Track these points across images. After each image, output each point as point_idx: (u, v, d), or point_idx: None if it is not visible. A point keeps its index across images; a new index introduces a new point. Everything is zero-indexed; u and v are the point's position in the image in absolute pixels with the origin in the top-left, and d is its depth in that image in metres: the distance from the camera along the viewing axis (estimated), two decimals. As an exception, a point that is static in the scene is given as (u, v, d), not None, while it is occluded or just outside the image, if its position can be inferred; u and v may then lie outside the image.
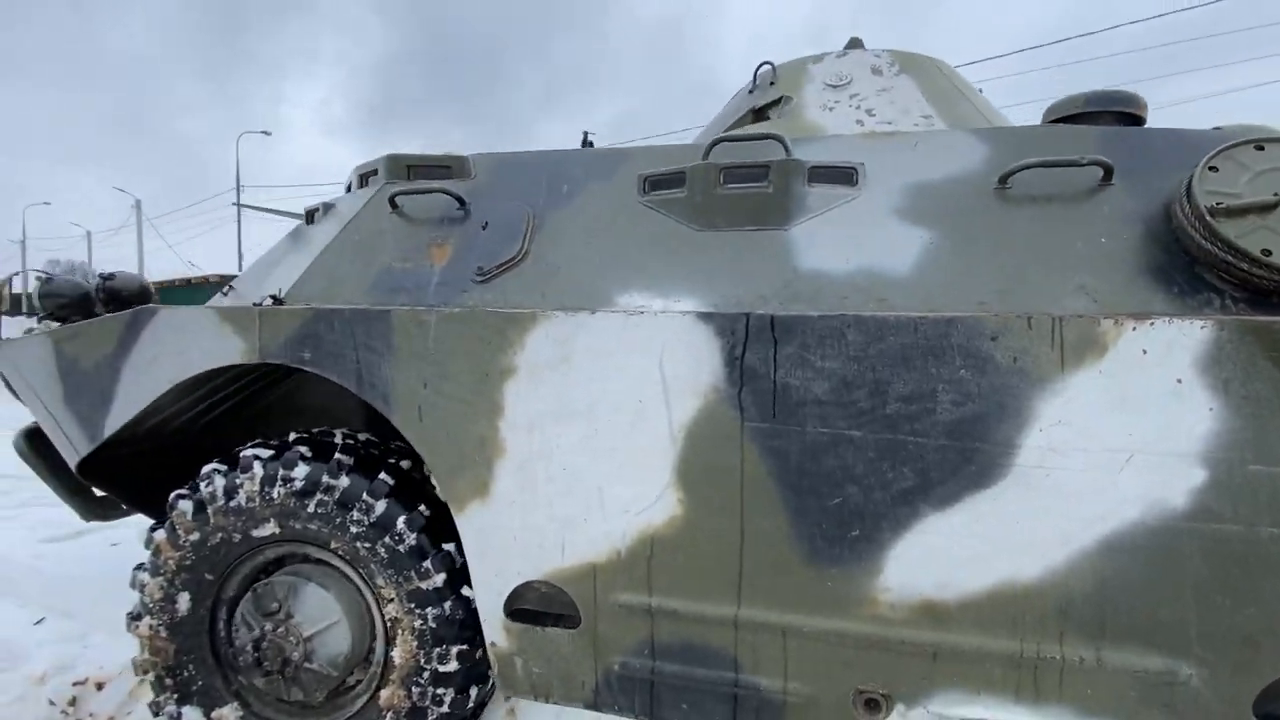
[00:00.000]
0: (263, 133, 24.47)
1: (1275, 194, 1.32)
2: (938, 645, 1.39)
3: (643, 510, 1.54)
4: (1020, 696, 1.37)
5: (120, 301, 2.48)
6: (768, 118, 2.15)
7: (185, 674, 1.91)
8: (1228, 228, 1.31)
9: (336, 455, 1.83)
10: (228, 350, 1.81)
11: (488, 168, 2.02)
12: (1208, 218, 1.34)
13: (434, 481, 1.92)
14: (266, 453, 1.85)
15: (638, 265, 1.70)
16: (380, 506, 1.77)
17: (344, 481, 1.79)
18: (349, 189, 2.41)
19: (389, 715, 1.79)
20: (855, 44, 2.21)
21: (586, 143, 2.88)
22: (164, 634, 1.89)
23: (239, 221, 22.97)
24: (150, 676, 1.91)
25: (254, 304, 1.85)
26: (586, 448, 1.57)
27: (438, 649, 1.76)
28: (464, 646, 1.78)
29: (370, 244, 1.94)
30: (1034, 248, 1.49)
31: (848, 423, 1.41)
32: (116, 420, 1.93)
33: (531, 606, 1.67)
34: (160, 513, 2.48)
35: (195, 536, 1.86)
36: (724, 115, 2.35)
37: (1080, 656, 1.33)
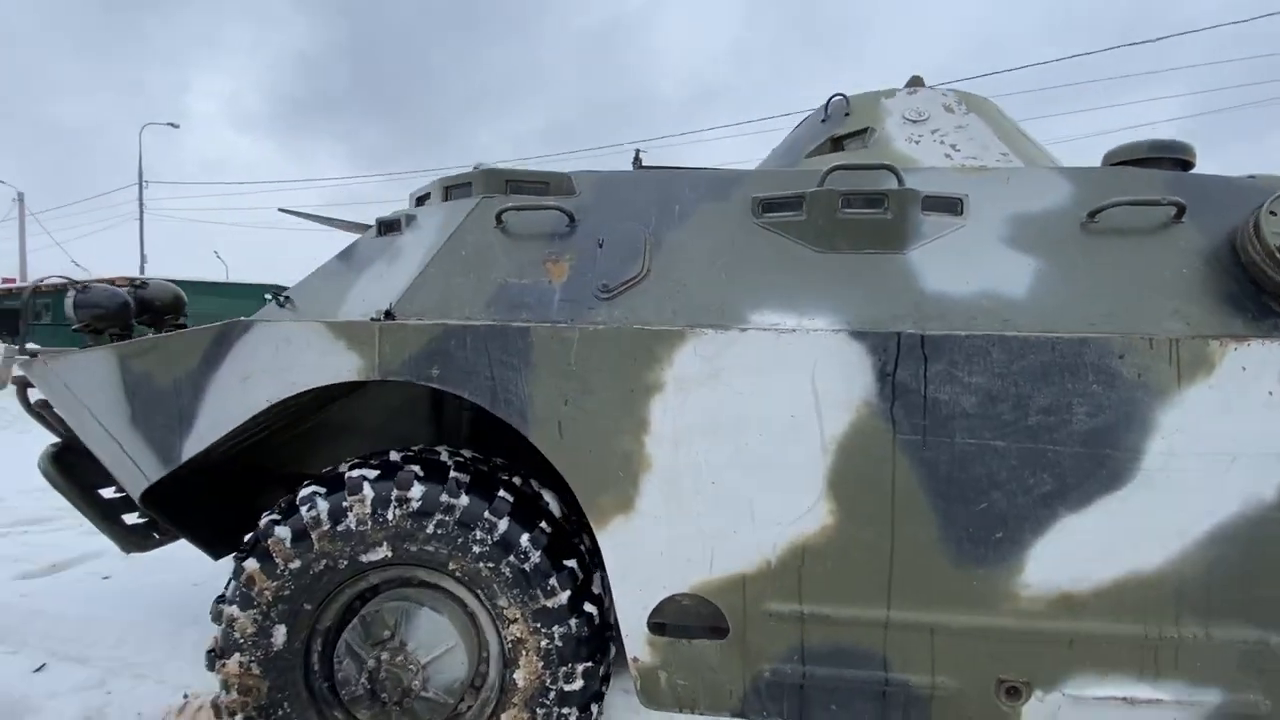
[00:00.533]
0: (169, 124, 22.53)
1: None
2: (1073, 633, 1.54)
3: (794, 521, 1.61)
4: (1143, 674, 1.54)
5: (153, 311, 2.29)
6: (843, 148, 2.29)
7: (280, 712, 1.78)
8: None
9: (453, 474, 1.78)
10: (340, 367, 1.73)
11: (591, 185, 2.03)
12: (1277, 255, 1.58)
13: (546, 500, 1.91)
14: (374, 473, 1.77)
15: (763, 284, 1.77)
16: (503, 525, 1.74)
17: (464, 500, 1.74)
18: (418, 201, 2.35)
19: None
20: (917, 81, 2.40)
21: (637, 159, 2.93)
22: (256, 671, 1.76)
23: (141, 220, 20.98)
24: (239, 718, 1.77)
25: (371, 318, 1.77)
26: (737, 462, 1.62)
27: (564, 668, 1.74)
28: (589, 664, 1.77)
29: (479, 259, 1.91)
30: (1126, 276, 1.69)
31: (992, 434, 1.54)
32: (198, 442, 1.79)
33: (671, 620, 1.69)
34: (205, 538, 2.30)
35: (296, 564, 1.74)
36: (798, 141, 2.47)
37: (1192, 634, 1.52)
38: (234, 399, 1.77)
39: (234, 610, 1.76)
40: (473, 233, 1.96)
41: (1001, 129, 2.22)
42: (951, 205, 1.82)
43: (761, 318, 1.70)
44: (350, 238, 2.68)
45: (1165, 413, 1.50)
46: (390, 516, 1.73)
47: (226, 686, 1.77)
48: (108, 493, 2.24)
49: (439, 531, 1.73)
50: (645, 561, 1.66)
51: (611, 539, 1.66)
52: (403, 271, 1.96)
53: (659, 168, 2.88)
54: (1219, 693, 1.53)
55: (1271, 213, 1.64)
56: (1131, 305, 1.64)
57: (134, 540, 2.22)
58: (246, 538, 1.84)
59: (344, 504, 1.74)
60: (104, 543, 3.31)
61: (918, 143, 2.12)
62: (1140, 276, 1.68)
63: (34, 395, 2.07)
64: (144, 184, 21.62)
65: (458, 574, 1.76)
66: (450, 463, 1.85)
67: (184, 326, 2.24)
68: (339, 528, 1.73)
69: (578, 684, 1.75)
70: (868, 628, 1.61)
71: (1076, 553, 1.53)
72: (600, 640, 1.82)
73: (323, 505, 1.75)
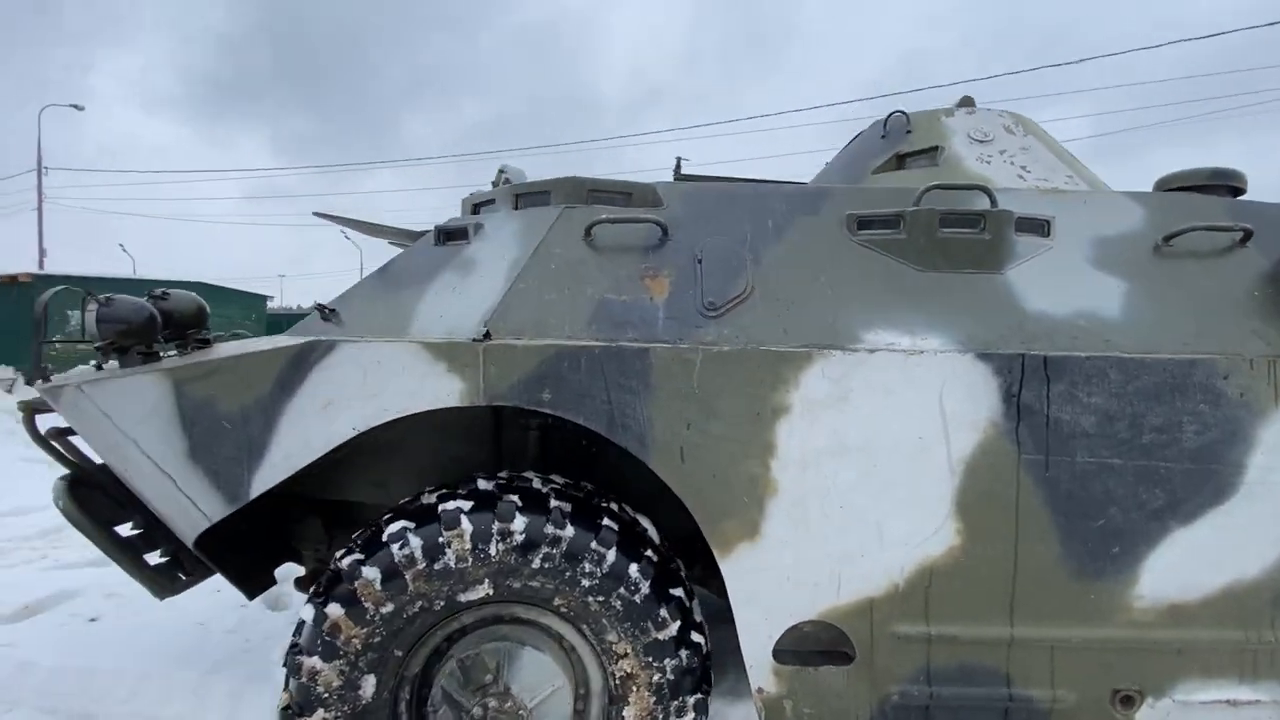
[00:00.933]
0: (72, 106, 20.36)
1: None
2: (1181, 641, 1.61)
3: (921, 542, 1.60)
4: (1243, 677, 1.63)
5: (174, 325, 2.05)
6: (906, 165, 2.32)
7: (372, 773, 1.62)
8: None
9: (555, 503, 1.67)
10: (440, 391, 1.59)
11: (678, 197, 1.97)
12: None
13: (644, 526, 1.83)
14: (468, 504, 1.64)
15: (870, 302, 1.76)
16: (611, 555, 1.65)
17: (569, 531, 1.64)
18: (474, 209, 2.21)
19: None
20: (968, 102, 2.46)
21: (679, 167, 2.87)
22: (337, 726, 1.59)
23: (40, 210, 18.92)
24: (323, 781, 1.60)
25: (472, 339, 1.63)
26: (865, 484, 1.60)
27: (675, 702, 1.68)
28: (699, 695, 1.71)
29: (571, 273, 1.80)
30: (1203, 298, 1.78)
31: (1110, 452, 1.59)
32: (271, 476, 1.60)
33: (795, 647, 1.65)
34: (240, 576, 2.07)
35: (388, 608, 1.59)
36: (859, 155, 2.47)
37: (1286, 637, 1.62)
38: (314, 427, 1.59)
39: (316, 662, 1.58)
40: (559, 245, 1.85)
41: (1057, 150, 2.31)
42: (1040, 227, 1.87)
43: (876, 337, 1.68)
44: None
45: (1264, 429, 1.59)
46: (493, 552, 1.60)
47: (306, 745, 1.59)
48: (123, 529, 1.99)
49: (545, 566, 1.62)
50: (771, 589, 1.61)
51: (736, 566, 1.61)
52: (486, 286, 1.82)
53: (700, 176, 2.85)
54: (1310, 691, 1.64)
55: None
56: (1214, 326, 1.73)
57: (163, 582, 1.97)
58: (322, 579, 1.66)
59: (440, 539, 1.60)
60: (77, 579, 2.98)
61: (988, 163, 2.18)
62: (1216, 298, 1.78)
63: (45, 422, 1.81)
64: (43, 171, 19.51)
65: (563, 609, 1.66)
66: (547, 490, 1.75)
67: (208, 341, 2.01)
68: (436, 566, 1.59)
69: (689, 717, 1.69)
70: (991, 646, 1.62)
71: (1185, 564, 1.60)
72: (705, 671, 1.76)
73: (416, 542, 1.60)
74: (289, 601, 2.79)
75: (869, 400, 1.59)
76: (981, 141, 2.23)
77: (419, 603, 1.61)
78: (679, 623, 1.68)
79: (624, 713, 1.68)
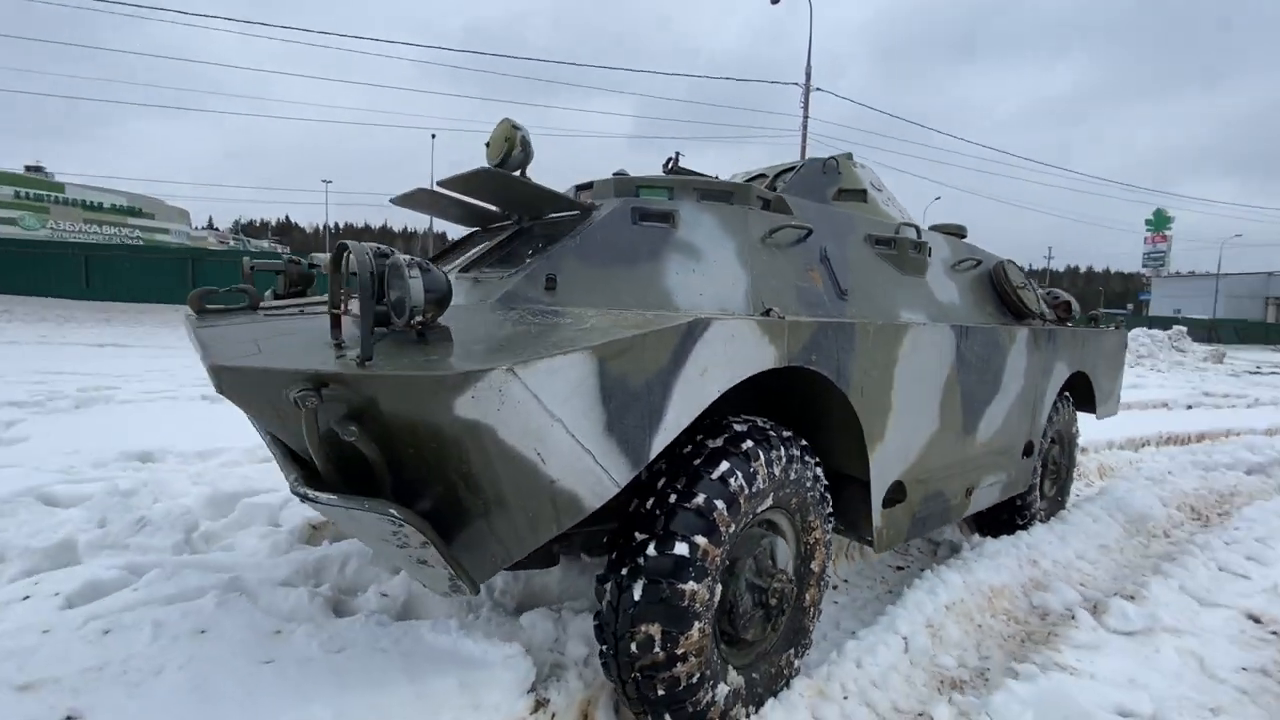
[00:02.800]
0: None
1: None
2: (986, 459, 3.37)
3: (928, 429, 2.90)
4: (998, 472, 3.50)
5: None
6: (842, 199, 3.50)
7: (713, 661, 2.02)
8: None
9: (783, 434, 2.32)
10: (765, 358, 2.05)
11: (798, 208, 2.71)
12: (1018, 290, 3.72)
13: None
14: (750, 443, 2.16)
15: (895, 294, 2.93)
16: (814, 465, 2.43)
17: (795, 453, 2.34)
18: (635, 191, 2.44)
19: (812, 610, 2.49)
20: (849, 156, 3.79)
21: (676, 160, 3.41)
22: (707, 631, 1.96)
23: None
24: (696, 675, 1.93)
25: (778, 316, 2.10)
26: (915, 404, 2.78)
27: (830, 553, 2.60)
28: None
29: (773, 264, 2.40)
30: (974, 296, 3.59)
31: (976, 373, 3.18)
32: (665, 438, 1.78)
33: (887, 497, 2.75)
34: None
35: (733, 528, 2.01)
36: (813, 185, 3.44)
37: None
38: (693, 392, 1.84)
39: (692, 586, 1.90)
40: (755, 240, 2.41)
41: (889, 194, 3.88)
42: (929, 250, 3.36)
43: (908, 315, 2.88)
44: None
45: (1009, 360, 3.43)
46: (776, 473, 2.19)
47: (685, 657, 1.91)
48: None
49: (793, 478, 2.29)
50: (887, 464, 2.66)
51: (876, 453, 2.58)
52: (725, 271, 2.26)
53: (692, 172, 3.45)
54: None
55: (1005, 265, 3.78)
56: (983, 310, 3.53)
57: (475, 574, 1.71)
58: (660, 525, 1.92)
59: (751, 469, 2.09)
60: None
61: (889, 204, 3.57)
62: (978, 296, 3.59)
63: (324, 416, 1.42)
64: None
65: (794, 505, 2.35)
66: (768, 426, 2.36)
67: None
68: (752, 489, 2.09)
69: (829, 563, 2.63)
70: (940, 478, 3.06)
71: (989, 424, 3.34)
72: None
73: (739, 474, 2.05)
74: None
75: (917, 355, 2.77)
76: (879, 189, 3.61)
77: (745, 519, 2.08)
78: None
79: (812, 565, 2.50)
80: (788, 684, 2.36)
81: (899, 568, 3.78)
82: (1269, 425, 8.56)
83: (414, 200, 2.88)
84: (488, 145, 3.00)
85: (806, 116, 19.05)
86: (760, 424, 2.28)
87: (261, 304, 2.33)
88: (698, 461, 2.05)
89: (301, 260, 2.78)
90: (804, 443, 2.37)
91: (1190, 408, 10.54)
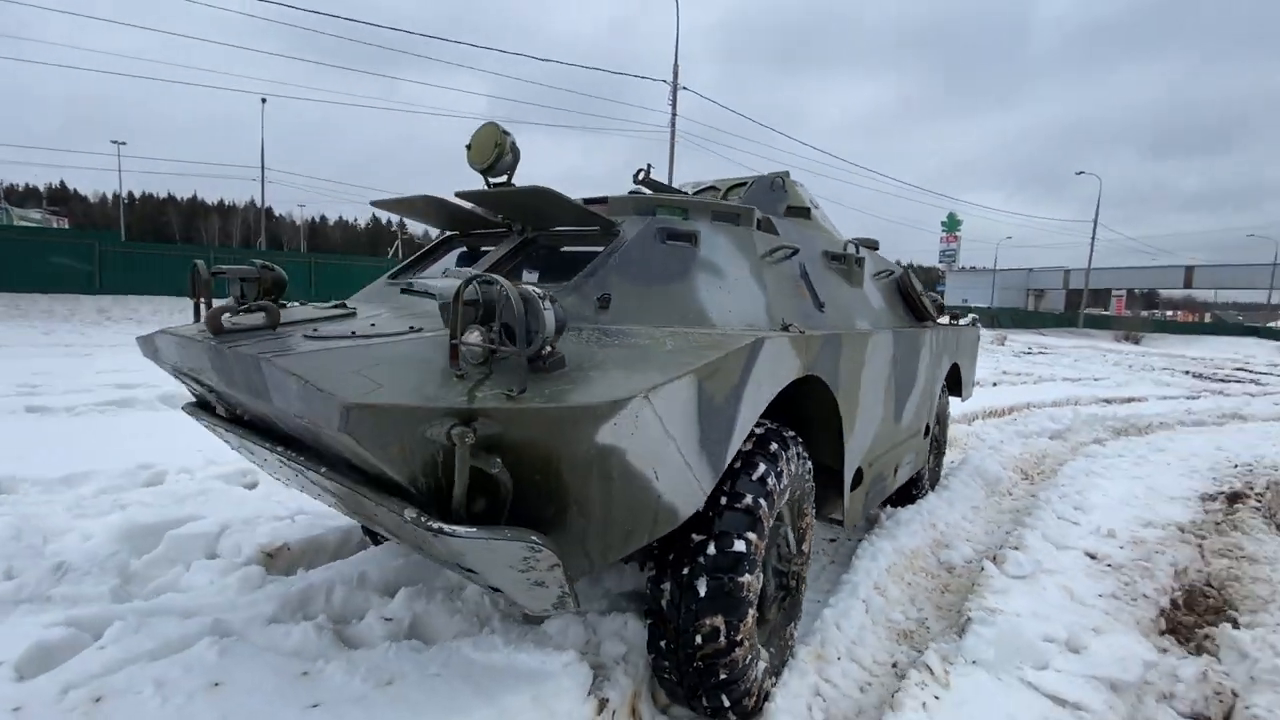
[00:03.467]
0: None
1: None
2: (907, 441, 3.96)
3: (882, 419, 3.37)
4: (913, 451, 4.12)
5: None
6: (789, 215, 3.86)
7: (757, 640, 2.26)
8: None
9: (788, 434, 2.61)
10: (794, 369, 2.31)
11: (780, 226, 2.99)
12: (923, 295, 4.36)
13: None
14: (775, 444, 2.42)
15: (852, 303, 3.35)
16: (808, 461, 2.75)
17: (798, 450, 2.64)
18: (651, 211, 2.57)
19: (802, 586, 2.83)
20: (788, 174, 4.16)
21: (648, 172, 3.54)
22: (754, 616, 2.18)
23: None
24: (748, 657, 2.15)
25: (798, 331, 2.34)
26: (873, 400, 3.22)
27: (811, 532, 2.95)
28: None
29: (779, 279, 2.66)
30: (889, 302, 4.16)
31: (901, 368, 3.72)
32: (733, 449, 1.96)
33: (853, 482, 3.16)
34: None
35: (771, 522, 2.25)
36: (765, 200, 3.77)
37: None
38: (753, 404, 2.03)
39: (748, 578, 2.11)
40: (761, 259, 2.65)
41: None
42: (863, 263, 3.84)
43: (860, 324, 3.31)
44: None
45: (921, 357, 4.05)
46: (794, 469, 2.47)
47: (742, 642, 2.11)
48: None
49: (800, 472, 2.59)
50: (856, 451, 3.05)
51: (850, 442, 2.96)
52: (745, 290, 2.48)
53: (661, 185, 3.60)
54: None
55: (909, 270, 4.42)
56: (898, 315, 4.11)
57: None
58: (718, 524, 2.11)
59: (779, 468, 2.35)
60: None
61: (826, 222, 3.99)
62: (892, 302, 4.18)
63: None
64: None
65: (797, 497, 2.65)
66: (780, 428, 2.62)
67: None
68: (781, 484, 2.34)
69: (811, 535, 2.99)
70: (882, 460, 3.57)
71: (909, 411, 3.93)
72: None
73: (772, 473, 2.30)
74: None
75: (874, 357, 3.20)
76: (816, 206, 4.02)
77: (776, 511, 2.33)
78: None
79: (802, 547, 2.83)
80: (792, 653, 2.67)
81: (831, 540, 4.30)
82: (1055, 398, 10.68)
83: (407, 206, 2.74)
84: (469, 148, 2.94)
85: (675, 115, 19.80)
86: (773, 427, 2.54)
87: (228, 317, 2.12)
88: (737, 465, 2.25)
89: (274, 266, 2.52)
90: (800, 440, 2.68)
91: (996, 385, 12.74)
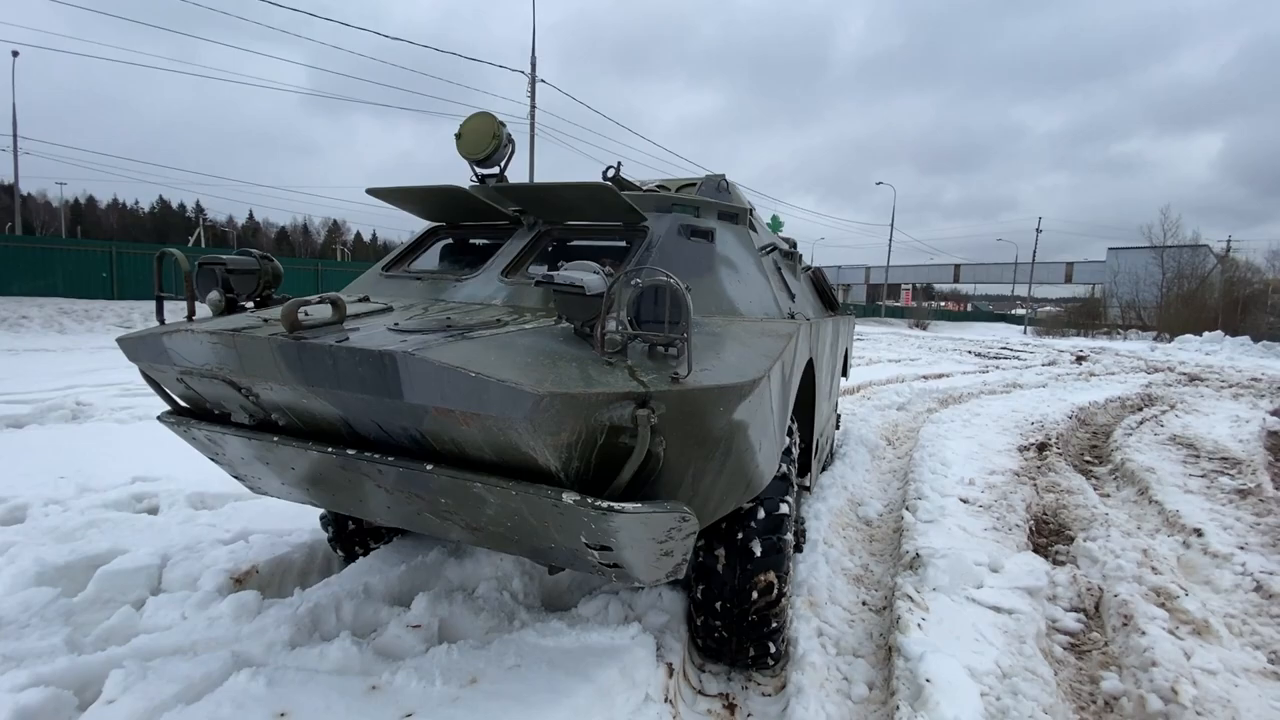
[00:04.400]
0: None
1: None
2: (825, 430, 4.52)
3: (822, 405, 3.85)
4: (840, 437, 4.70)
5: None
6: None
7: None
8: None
9: None
10: (807, 351, 2.62)
11: (757, 225, 3.30)
12: (831, 289, 4.98)
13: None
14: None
15: (802, 296, 3.78)
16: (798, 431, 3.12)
17: (797, 424, 2.99)
18: (667, 207, 2.75)
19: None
20: (723, 176, 4.50)
21: (618, 169, 3.65)
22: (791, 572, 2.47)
23: None
24: (789, 604, 2.42)
25: (806, 318, 2.65)
26: (823, 388, 3.68)
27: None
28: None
29: (772, 275, 2.97)
30: (812, 292, 4.72)
31: (825, 363, 4.27)
32: (788, 421, 2.21)
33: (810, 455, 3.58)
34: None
35: (795, 488, 2.56)
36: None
37: None
38: (795, 380, 2.32)
39: (789, 536, 2.39)
40: (758, 254, 2.95)
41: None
42: (800, 258, 4.31)
43: (810, 313, 3.76)
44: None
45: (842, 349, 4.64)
46: (799, 440, 2.80)
47: (786, 593, 2.39)
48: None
49: (797, 441, 2.93)
50: (819, 423, 3.48)
51: (817, 420, 3.38)
52: (757, 282, 2.75)
53: (629, 182, 3.73)
54: None
55: (819, 270, 5.02)
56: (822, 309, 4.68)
57: None
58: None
59: (796, 440, 2.66)
60: None
61: (757, 222, 4.38)
62: (815, 296, 4.74)
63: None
64: None
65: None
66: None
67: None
68: (795, 455, 2.66)
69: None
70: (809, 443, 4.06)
71: (822, 407, 4.49)
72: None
73: (792, 444, 2.60)
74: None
75: (830, 341, 3.66)
76: (751, 210, 4.41)
77: (793, 479, 2.64)
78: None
79: (803, 513, 3.19)
80: (792, 600, 3.02)
81: (767, 509, 4.76)
82: (888, 377, 12.47)
83: (393, 195, 2.61)
84: (459, 137, 2.91)
85: (534, 106, 19.58)
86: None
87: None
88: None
89: (272, 257, 2.29)
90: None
91: (838, 367, 14.50)
